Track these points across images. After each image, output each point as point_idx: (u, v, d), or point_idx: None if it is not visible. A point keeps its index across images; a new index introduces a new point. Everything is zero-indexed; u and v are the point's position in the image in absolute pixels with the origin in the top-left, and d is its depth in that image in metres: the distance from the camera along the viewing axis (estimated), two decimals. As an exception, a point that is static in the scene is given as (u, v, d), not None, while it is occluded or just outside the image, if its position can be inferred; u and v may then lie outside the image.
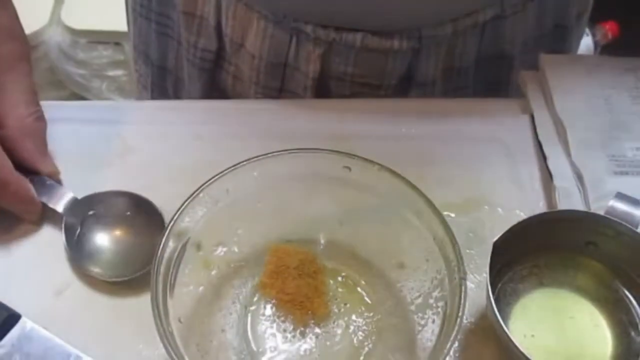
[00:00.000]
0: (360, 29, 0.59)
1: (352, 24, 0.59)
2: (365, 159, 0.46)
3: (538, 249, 0.47)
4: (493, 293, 0.43)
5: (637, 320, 0.46)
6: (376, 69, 0.61)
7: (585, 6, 0.69)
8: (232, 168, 0.45)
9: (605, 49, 1.52)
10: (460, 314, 0.40)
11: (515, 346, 0.41)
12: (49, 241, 0.49)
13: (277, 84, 0.64)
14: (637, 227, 0.45)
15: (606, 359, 0.45)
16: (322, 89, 0.63)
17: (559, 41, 0.68)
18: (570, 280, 0.48)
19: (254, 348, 0.45)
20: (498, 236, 0.44)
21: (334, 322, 0.46)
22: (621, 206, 0.45)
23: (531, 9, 0.63)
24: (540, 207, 0.53)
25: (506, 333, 0.41)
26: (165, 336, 0.39)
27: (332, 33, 0.59)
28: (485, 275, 0.43)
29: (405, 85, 0.63)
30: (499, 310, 0.42)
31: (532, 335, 0.45)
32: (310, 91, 0.62)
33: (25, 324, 0.45)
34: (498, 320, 0.41)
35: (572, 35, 0.69)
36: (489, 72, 0.65)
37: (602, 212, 0.46)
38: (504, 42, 0.63)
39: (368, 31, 0.59)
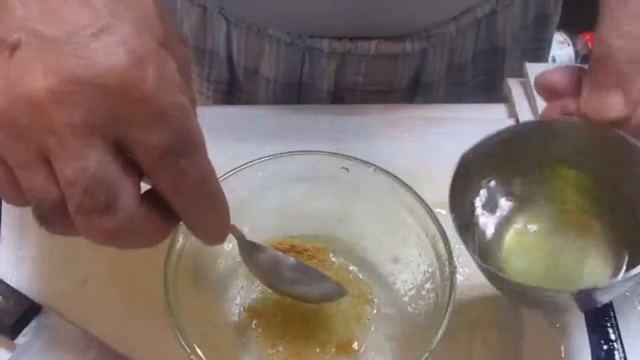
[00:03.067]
0: (374, 37, 0.59)
1: (366, 33, 0.58)
2: (362, 161, 0.46)
3: (518, 164, 0.43)
4: (471, 216, 0.42)
5: (628, 225, 0.42)
6: (387, 75, 0.61)
7: None
8: (238, 169, 0.45)
9: (586, 59, 1.52)
10: (450, 304, 0.40)
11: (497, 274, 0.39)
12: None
13: (294, 102, 0.64)
14: None
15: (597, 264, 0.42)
16: (336, 101, 0.63)
17: (542, 30, 0.69)
18: (554, 194, 0.44)
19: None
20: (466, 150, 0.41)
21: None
22: None
23: (517, 1, 0.63)
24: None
25: (478, 259, 0.39)
26: (176, 325, 0.39)
27: (347, 44, 0.59)
28: (475, 267, 0.42)
29: (412, 87, 0.63)
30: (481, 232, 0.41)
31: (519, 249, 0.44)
32: (325, 104, 0.62)
33: (46, 314, 0.45)
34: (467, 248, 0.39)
35: (552, 23, 0.70)
36: (484, 66, 0.66)
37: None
38: (497, 36, 0.64)
39: (381, 38, 0.59)
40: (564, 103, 0.41)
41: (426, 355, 0.39)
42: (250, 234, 0.47)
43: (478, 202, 0.44)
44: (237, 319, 0.46)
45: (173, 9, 0.63)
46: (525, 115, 0.57)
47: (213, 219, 0.35)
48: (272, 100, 0.64)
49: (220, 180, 0.43)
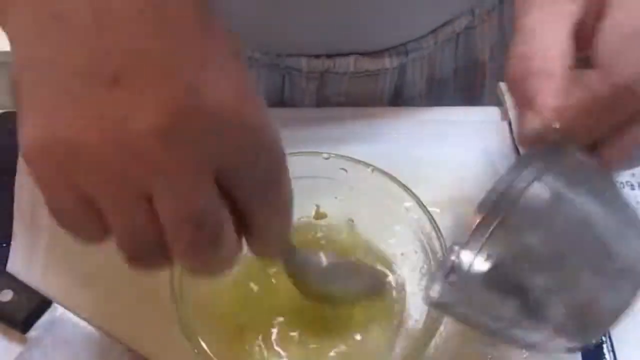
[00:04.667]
0: (352, 52, 0.58)
1: (343, 49, 0.57)
2: (360, 161, 0.46)
3: None
4: None
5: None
6: (368, 93, 0.61)
7: None
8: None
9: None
10: (445, 300, 0.41)
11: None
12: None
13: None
14: None
15: None
16: None
17: None
18: None
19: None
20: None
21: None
22: None
23: (494, 17, 0.63)
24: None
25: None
26: (182, 320, 0.40)
27: (326, 61, 0.58)
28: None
29: (394, 103, 0.63)
30: None
31: None
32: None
33: (56, 309, 0.45)
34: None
35: None
36: (465, 81, 0.65)
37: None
38: (476, 51, 0.64)
39: (358, 53, 0.58)
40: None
41: (422, 349, 0.39)
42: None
43: None
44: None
45: None
46: (516, 117, 0.57)
47: (282, 229, 0.34)
48: None
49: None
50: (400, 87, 0.62)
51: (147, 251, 0.29)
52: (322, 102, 0.61)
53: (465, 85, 0.66)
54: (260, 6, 0.55)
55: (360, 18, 0.55)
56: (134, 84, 0.26)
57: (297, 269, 0.41)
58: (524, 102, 0.36)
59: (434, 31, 0.59)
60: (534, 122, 0.36)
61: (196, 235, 0.28)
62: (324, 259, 0.42)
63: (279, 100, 0.61)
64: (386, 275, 0.44)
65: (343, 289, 0.44)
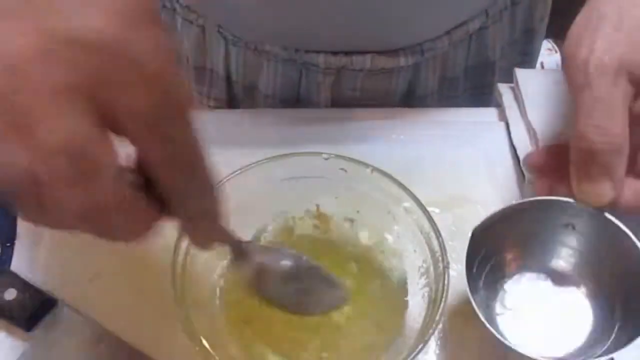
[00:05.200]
0: (369, 51, 0.58)
1: (361, 47, 0.58)
2: (360, 162, 0.47)
3: (518, 236, 0.47)
4: (479, 280, 0.43)
5: (609, 292, 0.45)
6: (382, 89, 0.61)
7: (546, 10, 0.70)
8: (241, 170, 0.46)
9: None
10: (443, 298, 0.41)
11: (490, 329, 0.41)
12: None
13: None
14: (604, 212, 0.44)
15: (585, 335, 0.45)
16: None
17: (528, 44, 0.69)
18: (548, 264, 0.48)
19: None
20: (476, 225, 0.44)
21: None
22: None
23: (505, 17, 0.64)
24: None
25: (481, 319, 0.41)
26: (183, 317, 0.40)
27: (343, 58, 0.58)
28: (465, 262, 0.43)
29: (406, 101, 0.63)
30: (485, 296, 0.42)
31: (514, 317, 0.46)
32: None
33: (59, 308, 0.45)
34: (472, 304, 0.41)
35: (537, 37, 0.70)
36: (475, 79, 0.66)
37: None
38: (487, 50, 0.64)
39: (375, 52, 0.58)
40: (550, 184, 0.46)
41: (420, 346, 0.40)
42: (252, 230, 0.48)
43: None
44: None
45: (173, 30, 0.63)
46: (515, 118, 0.58)
47: (202, 201, 0.32)
48: None
49: (226, 180, 0.44)
50: (413, 85, 0.63)
51: (25, 191, 0.26)
52: (336, 97, 0.61)
53: (476, 83, 0.66)
54: (282, 3, 0.56)
55: (378, 18, 0.56)
56: (14, 14, 0.26)
57: (247, 266, 0.40)
58: (597, 172, 0.41)
59: (448, 32, 0.60)
60: (605, 189, 0.42)
61: (69, 168, 0.26)
62: (285, 261, 0.42)
63: (295, 94, 0.62)
64: (347, 291, 0.44)
65: (296, 296, 0.42)
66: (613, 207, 0.43)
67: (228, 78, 0.63)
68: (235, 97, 0.65)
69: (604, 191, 0.42)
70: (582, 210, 0.44)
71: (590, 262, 0.47)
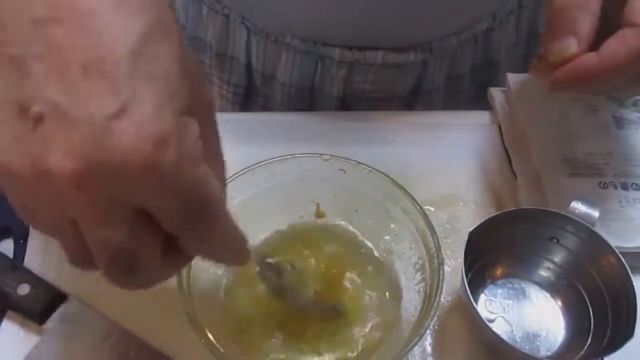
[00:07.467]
0: (381, 47, 0.60)
1: (374, 43, 0.60)
2: (358, 163, 0.47)
3: (506, 241, 0.47)
4: (467, 277, 0.43)
5: (587, 305, 0.46)
6: (391, 83, 0.63)
7: None
8: (247, 169, 0.46)
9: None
10: (438, 294, 0.41)
11: (484, 322, 0.41)
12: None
13: (306, 106, 0.65)
14: (593, 227, 0.45)
15: (560, 337, 0.46)
16: (344, 105, 0.64)
17: (533, 46, 0.70)
18: (531, 272, 0.48)
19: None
20: (473, 227, 0.44)
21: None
22: (581, 207, 0.45)
23: (512, 20, 0.65)
24: (506, 202, 0.53)
25: (476, 311, 0.42)
26: (189, 312, 0.40)
27: (357, 53, 0.60)
28: (460, 260, 0.44)
29: (414, 95, 0.65)
30: (471, 293, 0.42)
31: (496, 314, 0.46)
32: (334, 110, 0.64)
33: (71, 302, 0.45)
34: (470, 301, 0.42)
35: None
36: (480, 78, 0.67)
37: (559, 208, 0.46)
38: (493, 51, 0.65)
39: (387, 48, 0.60)
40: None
41: (416, 339, 0.40)
42: (256, 228, 0.48)
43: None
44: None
45: (199, 16, 0.64)
46: (505, 120, 0.58)
47: (234, 259, 0.35)
48: (286, 103, 0.65)
49: (230, 179, 0.44)
50: (420, 81, 0.64)
51: (82, 264, 0.31)
52: (348, 88, 0.63)
53: (480, 82, 0.67)
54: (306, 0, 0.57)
55: (392, 17, 0.57)
56: (53, 128, 0.26)
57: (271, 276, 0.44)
58: (561, 29, 0.41)
59: (457, 32, 0.61)
60: (567, 43, 0.41)
61: (110, 264, 0.29)
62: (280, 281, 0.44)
63: (310, 84, 0.63)
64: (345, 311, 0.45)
65: (296, 297, 0.45)
66: (587, 81, 0.41)
67: (248, 65, 0.64)
68: (254, 84, 0.66)
69: (567, 46, 0.41)
70: (570, 223, 0.45)
71: (571, 276, 0.47)
